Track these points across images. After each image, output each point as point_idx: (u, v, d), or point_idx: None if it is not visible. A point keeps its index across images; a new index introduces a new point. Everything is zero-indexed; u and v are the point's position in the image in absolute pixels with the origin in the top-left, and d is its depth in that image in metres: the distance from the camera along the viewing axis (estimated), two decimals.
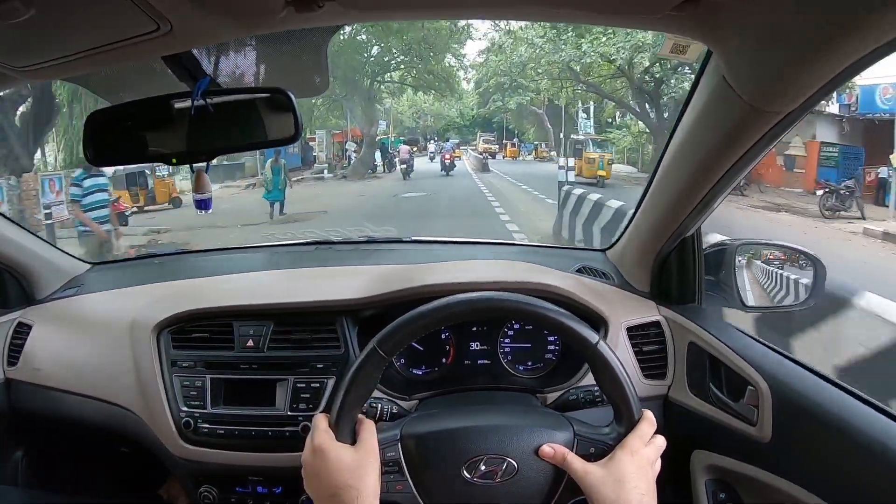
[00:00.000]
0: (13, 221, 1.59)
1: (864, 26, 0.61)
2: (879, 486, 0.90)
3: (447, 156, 25.46)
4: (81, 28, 0.73)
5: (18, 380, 1.54)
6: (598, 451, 0.90)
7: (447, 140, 43.08)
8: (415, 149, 32.75)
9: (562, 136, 34.84)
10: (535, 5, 0.77)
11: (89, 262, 1.85)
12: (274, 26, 0.75)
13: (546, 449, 0.89)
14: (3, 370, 1.56)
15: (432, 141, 43.58)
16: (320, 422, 0.88)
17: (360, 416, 0.91)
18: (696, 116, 0.99)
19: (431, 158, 31.14)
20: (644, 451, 0.88)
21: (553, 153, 34.34)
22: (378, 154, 26.28)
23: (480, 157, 30.93)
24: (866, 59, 0.68)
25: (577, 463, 0.87)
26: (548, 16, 0.82)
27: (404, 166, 23.07)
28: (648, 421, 0.91)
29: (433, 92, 30.47)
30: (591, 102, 29.25)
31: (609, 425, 0.92)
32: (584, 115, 32.02)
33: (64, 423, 1.52)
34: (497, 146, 40.67)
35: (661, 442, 0.91)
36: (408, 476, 0.90)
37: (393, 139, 40.43)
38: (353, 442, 0.88)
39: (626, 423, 0.90)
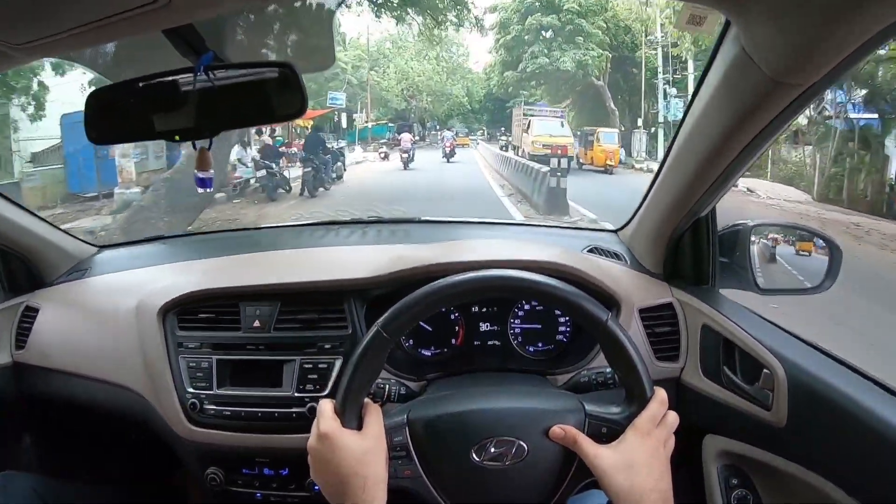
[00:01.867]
0: (19, 205, 1.58)
1: None
2: None
3: (448, 144, 24.10)
4: (78, 1, 0.71)
5: (26, 363, 1.55)
6: (609, 431, 0.88)
7: (449, 129, 35.89)
8: (416, 138, 28.88)
9: (640, 122, 21.88)
10: None
11: (96, 246, 1.84)
12: None
13: (556, 430, 0.87)
14: (11, 354, 1.57)
15: (436, 130, 38.88)
16: (326, 408, 0.87)
17: (367, 400, 0.89)
18: (713, 90, 0.96)
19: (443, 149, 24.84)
20: (655, 431, 0.86)
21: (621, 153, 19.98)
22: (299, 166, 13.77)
23: (549, 173, 11.59)
24: (894, 27, 0.65)
25: (587, 446, 0.85)
26: None
27: (406, 155, 20.51)
28: (659, 399, 0.88)
29: (414, 18, 16.34)
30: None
31: (620, 405, 0.90)
32: (675, 91, 20.52)
33: (72, 406, 1.52)
34: (569, 137, 19.94)
35: (672, 419, 0.89)
36: (416, 461, 0.89)
37: (371, 126, 31.41)
38: (360, 427, 0.87)
39: (638, 401, 0.88)
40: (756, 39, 0.79)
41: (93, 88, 0.93)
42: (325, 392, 1.26)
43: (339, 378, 0.90)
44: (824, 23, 0.68)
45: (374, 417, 0.88)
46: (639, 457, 0.84)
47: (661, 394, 0.89)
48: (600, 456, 0.84)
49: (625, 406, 0.89)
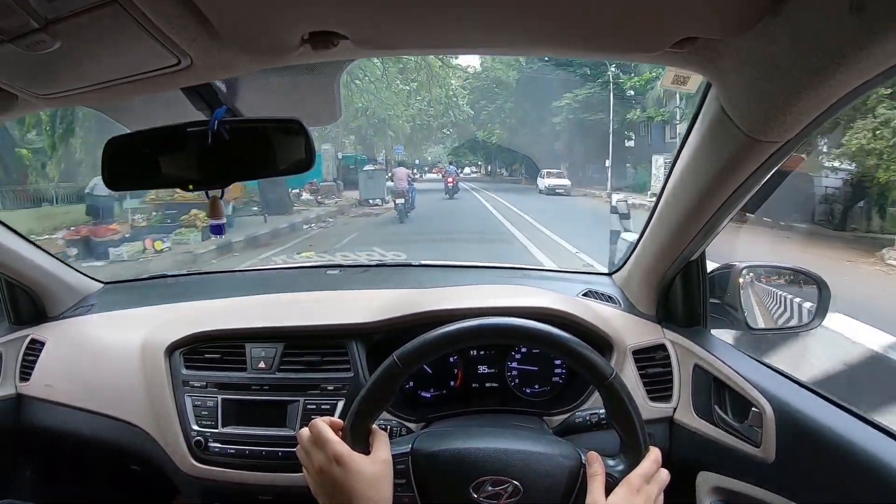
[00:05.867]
0: (28, 240, 1.62)
1: (852, 60, 0.64)
2: None
3: (450, 179, 20.91)
4: (105, 61, 0.76)
5: (30, 395, 1.57)
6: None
7: (450, 163, 27.32)
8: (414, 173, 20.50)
9: None
10: (538, 42, 0.80)
11: (102, 282, 1.88)
12: (290, 61, 0.78)
13: (593, 455, 0.90)
14: (16, 385, 1.59)
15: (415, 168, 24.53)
16: (328, 432, 0.88)
17: (374, 426, 0.92)
18: (696, 145, 1.01)
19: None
20: (646, 488, 0.89)
21: None
22: None
23: None
24: (858, 90, 0.71)
25: (594, 491, 0.87)
26: (552, 51, 0.85)
27: (401, 200, 14.34)
28: (653, 458, 0.91)
29: None
30: None
31: (615, 457, 0.93)
32: None
33: (74, 439, 1.54)
34: None
35: (664, 477, 0.92)
36: (415, 490, 0.91)
37: None
38: (367, 452, 0.89)
39: (633, 457, 0.91)
40: (733, 100, 0.85)
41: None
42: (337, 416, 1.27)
43: (350, 404, 0.93)
44: (795, 87, 0.73)
45: (383, 443, 0.90)
46: None
47: (655, 453, 0.92)
48: None
49: (619, 460, 0.92)
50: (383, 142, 22.04)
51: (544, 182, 21.86)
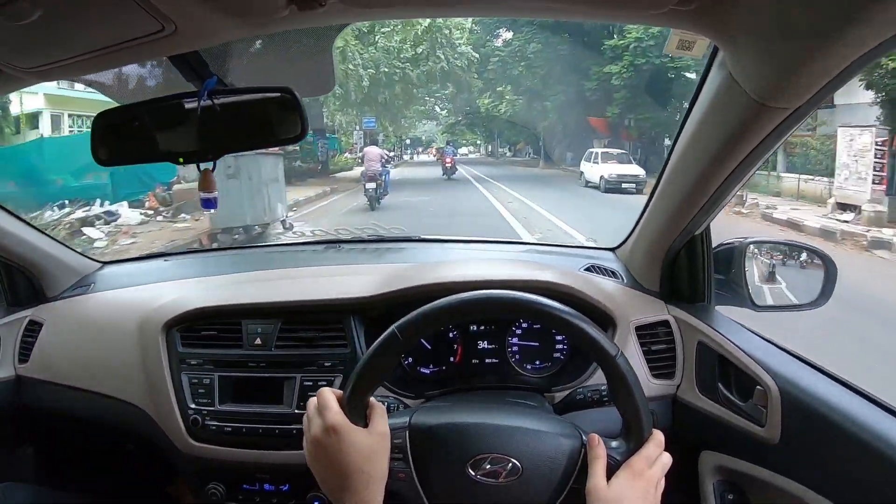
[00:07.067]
0: (25, 221, 1.61)
1: (871, 18, 0.61)
2: (889, 490, 0.89)
3: (448, 160, 19.51)
4: (87, 29, 0.73)
5: (29, 377, 1.56)
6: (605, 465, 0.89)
7: (448, 143, 24.08)
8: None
9: None
10: (537, 1, 0.77)
11: (99, 262, 1.87)
12: (277, 25, 0.75)
13: (594, 437, 0.88)
14: (15, 367, 1.58)
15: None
16: (331, 400, 0.87)
17: (372, 399, 0.90)
18: (703, 113, 0.98)
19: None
20: (648, 472, 0.87)
21: None
22: None
23: None
24: (874, 52, 0.68)
25: (595, 473, 0.86)
26: (550, 11, 0.81)
27: (373, 185, 12.00)
28: (656, 442, 0.90)
29: None
30: None
31: (617, 439, 0.91)
32: None
33: (73, 419, 1.54)
34: None
35: (666, 460, 0.91)
36: (412, 465, 0.90)
37: None
38: (364, 425, 0.88)
39: (635, 439, 0.89)
40: (742, 65, 0.81)
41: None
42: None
43: (348, 376, 0.91)
44: (808, 49, 0.70)
45: (380, 416, 0.89)
46: (629, 496, 0.85)
47: (658, 436, 0.90)
48: (595, 489, 0.85)
49: (622, 442, 0.90)
50: (327, 106, 13.26)
51: (598, 170, 14.35)
